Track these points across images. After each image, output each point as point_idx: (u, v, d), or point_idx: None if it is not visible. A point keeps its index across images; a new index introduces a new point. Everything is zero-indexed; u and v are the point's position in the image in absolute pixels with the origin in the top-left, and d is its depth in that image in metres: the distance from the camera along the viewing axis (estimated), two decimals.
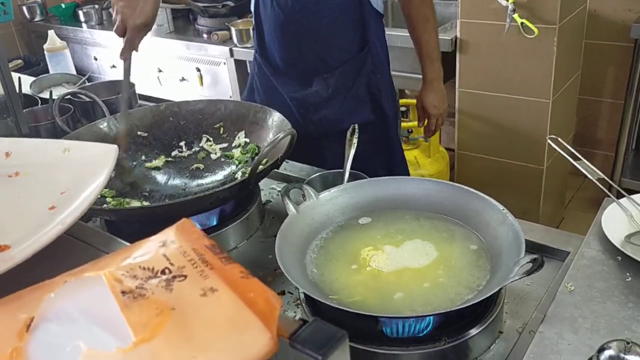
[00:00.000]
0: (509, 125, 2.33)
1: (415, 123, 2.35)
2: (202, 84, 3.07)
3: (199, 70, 3.03)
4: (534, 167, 2.34)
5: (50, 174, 0.50)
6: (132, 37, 1.29)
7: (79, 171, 0.49)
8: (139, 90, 3.26)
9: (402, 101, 2.37)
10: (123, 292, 0.34)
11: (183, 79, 3.11)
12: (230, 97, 3.02)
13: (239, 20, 2.93)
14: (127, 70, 1.31)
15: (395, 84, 1.80)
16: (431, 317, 0.87)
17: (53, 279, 0.37)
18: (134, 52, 1.35)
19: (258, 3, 1.60)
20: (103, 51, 3.40)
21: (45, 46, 1.96)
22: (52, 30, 2.03)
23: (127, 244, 0.43)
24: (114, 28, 1.29)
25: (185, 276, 0.34)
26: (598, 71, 2.73)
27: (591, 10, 2.53)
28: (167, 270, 0.35)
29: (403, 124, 2.12)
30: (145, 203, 1.24)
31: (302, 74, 1.61)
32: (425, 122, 1.82)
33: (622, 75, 2.63)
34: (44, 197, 0.47)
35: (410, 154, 2.32)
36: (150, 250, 0.38)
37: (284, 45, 1.59)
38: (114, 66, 3.37)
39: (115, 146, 0.52)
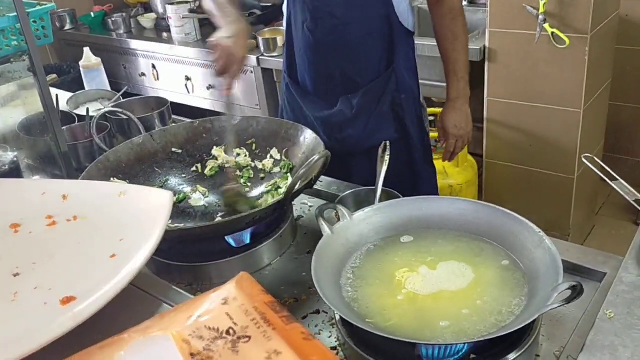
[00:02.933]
0: (539, 135, 2.31)
1: None
2: None
3: None
4: (565, 176, 2.32)
5: (108, 219, 0.52)
6: (236, 71, 1.38)
7: (135, 217, 0.50)
8: (169, 97, 3.32)
9: (429, 110, 2.36)
10: (192, 355, 0.35)
11: (210, 87, 3.14)
12: (257, 105, 3.04)
13: (266, 29, 2.96)
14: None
15: (423, 92, 1.78)
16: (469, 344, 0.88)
17: (120, 335, 0.38)
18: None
19: (290, 25, 1.62)
20: (132, 59, 3.45)
21: (81, 63, 2.00)
22: (88, 48, 2.07)
23: (185, 293, 0.44)
24: (218, 68, 1.36)
25: (250, 337, 0.36)
26: (629, 77, 2.69)
27: (622, 15, 2.50)
28: (231, 331, 0.36)
29: (430, 134, 2.11)
30: (180, 221, 1.27)
31: (328, 94, 1.63)
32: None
33: None
34: (104, 243, 0.49)
35: (439, 164, 2.30)
36: (213, 307, 0.39)
37: (313, 66, 1.61)
38: (142, 74, 3.42)
39: (170, 193, 0.53)
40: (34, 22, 1.33)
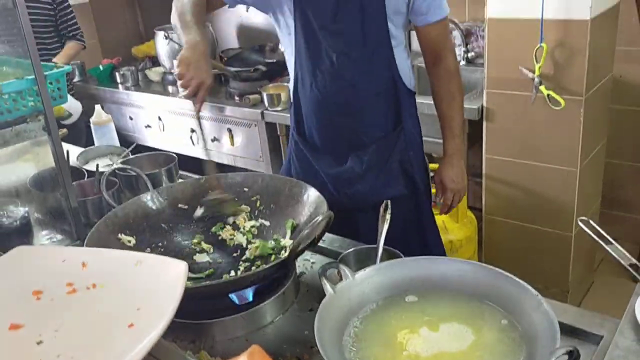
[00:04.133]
0: (536, 192, 2.36)
1: None
2: (233, 144, 3.16)
3: (230, 131, 3.13)
4: (563, 233, 2.35)
5: (125, 288, 0.55)
6: (203, 96, 1.42)
7: (152, 287, 0.53)
8: (174, 149, 3.38)
9: (430, 166, 2.41)
10: None
11: (215, 139, 3.21)
12: (260, 157, 3.10)
13: (270, 85, 3.04)
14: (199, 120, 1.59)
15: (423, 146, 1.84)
16: None
17: None
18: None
19: (297, 84, 1.68)
20: (138, 111, 3.53)
21: (92, 119, 2.07)
22: (99, 105, 2.15)
23: None
24: (186, 94, 1.41)
25: None
26: (625, 135, 2.75)
27: (616, 76, 2.58)
28: None
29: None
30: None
31: (337, 150, 1.67)
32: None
33: None
34: (122, 312, 0.51)
35: (439, 219, 2.34)
36: None
37: (322, 124, 1.66)
38: (148, 126, 3.49)
39: (184, 263, 0.56)
40: (50, 83, 1.39)
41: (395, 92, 1.63)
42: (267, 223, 1.46)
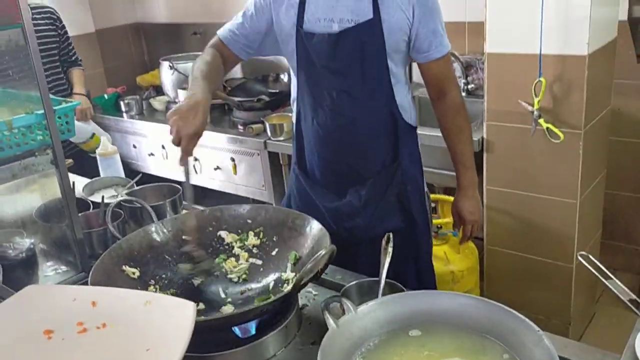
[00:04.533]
0: (537, 223, 2.37)
1: (445, 220, 2.41)
2: (235, 172, 3.19)
3: (233, 160, 3.16)
4: (564, 265, 2.36)
5: (135, 327, 0.56)
6: (186, 145, 1.38)
7: (161, 327, 0.55)
8: (177, 177, 3.40)
9: (431, 196, 2.43)
10: None
11: (218, 168, 3.23)
12: (263, 186, 3.12)
13: (273, 115, 3.08)
14: (187, 173, 1.44)
15: (425, 178, 1.86)
16: None
17: None
18: (190, 158, 1.44)
19: (300, 119, 1.72)
20: (142, 140, 3.57)
21: (97, 151, 2.09)
22: (104, 137, 2.18)
23: None
24: (171, 140, 1.39)
25: None
26: (624, 166, 2.77)
27: (615, 108, 2.61)
28: None
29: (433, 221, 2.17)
30: None
31: (337, 185, 1.70)
32: (461, 229, 1.86)
33: None
34: (132, 352, 0.53)
35: (440, 250, 2.36)
36: None
37: (322, 159, 1.69)
38: (151, 154, 3.53)
39: (193, 304, 0.58)
40: (59, 117, 1.41)
41: (394, 127, 1.66)
42: (261, 261, 1.47)
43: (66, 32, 3.04)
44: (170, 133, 1.38)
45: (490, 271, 2.59)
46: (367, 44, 1.57)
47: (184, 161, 1.41)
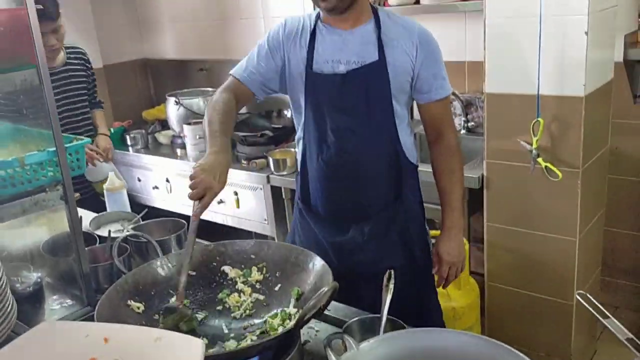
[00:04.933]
0: (537, 260, 2.39)
1: None
2: (238, 206, 3.22)
3: (236, 193, 3.19)
4: (564, 302, 2.36)
5: None
6: (208, 202, 1.40)
7: None
8: (180, 210, 3.43)
9: (433, 233, 2.45)
10: None
11: (221, 201, 3.26)
12: (265, 220, 3.14)
13: (277, 150, 3.12)
14: (194, 230, 1.40)
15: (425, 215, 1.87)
16: None
17: None
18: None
19: (305, 155, 1.76)
20: (147, 173, 3.61)
21: (105, 186, 2.13)
22: (112, 172, 2.22)
23: None
24: (191, 194, 1.39)
25: None
26: (623, 204, 2.79)
27: (613, 147, 2.65)
28: None
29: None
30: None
31: (340, 220, 1.73)
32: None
33: None
34: None
35: None
36: None
37: (326, 194, 1.73)
38: (155, 187, 3.56)
39: (201, 341, 0.60)
40: (70, 154, 1.45)
41: (397, 166, 1.70)
42: (263, 296, 1.48)
43: (93, 74, 3.06)
44: (192, 188, 1.38)
45: (492, 307, 2.60)
46: (372, 85, 1.63)
47: (198, 216, 1.41)
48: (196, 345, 0.57)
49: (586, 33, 2.03)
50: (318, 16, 1.71)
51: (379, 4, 2.79)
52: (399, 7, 2.76)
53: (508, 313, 2.55)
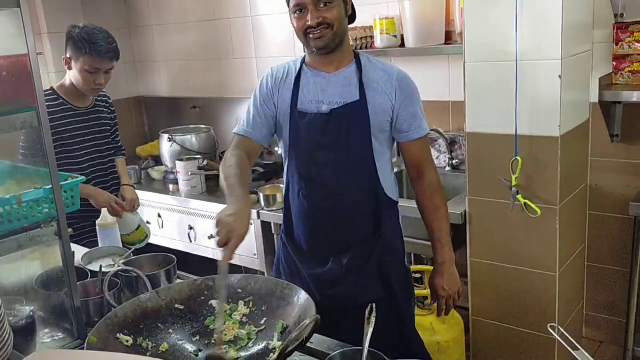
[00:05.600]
0: (520, 295, 2.44)
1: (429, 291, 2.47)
2: None
3: None
4: (547, 337, 2.41)
5: None
6: (235, 246, 1.46)
7: None
8: (172, 245, 3.47)
9: (415, 267, 2.51)
10: None
11: (212, 237, 3.31)
12: (255, 254, 3.20)
13: (267, 186, 3.19)
14: (225, 272, 1.48)
15: (409, 249, 1.94)
16: None
17: None
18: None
19: (288, 190, 1.85)
20: (139, 208, 3.65)
21: (97, 222, 2.19)
22: (105, 209, 2.28)
23: None
24: (218, 241, 1.46)
25: None
26: (604, 240, 2.84)
27: (592, 184, 2.74)
28: None
29: (417, 291, 2.24)
30: None
31: (320, 253, 1.81)
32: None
33: (628, 244, 2.73)
34: None
35: (426, 320, 2.42)
36: None
37: (308, 229, 1.81)
38: (148, 222, 3.61)
39: None
40: (65, 192, 1.52)
41: (377, 201, 1.78)
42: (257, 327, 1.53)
43: (116, 117, 2.96)
44: (218, 235, 1.46)
45: (476, 342, 2.64)
46: (353, 122, 1.72)
47: (227, 260, 1.47)
48: None
49: (560, 77, 2.14)
50: (303, 60, 1.81)
51: (366, 47, 2.89)
52: (386, 49, 2.87)
53: (493, 347, 2.59)
